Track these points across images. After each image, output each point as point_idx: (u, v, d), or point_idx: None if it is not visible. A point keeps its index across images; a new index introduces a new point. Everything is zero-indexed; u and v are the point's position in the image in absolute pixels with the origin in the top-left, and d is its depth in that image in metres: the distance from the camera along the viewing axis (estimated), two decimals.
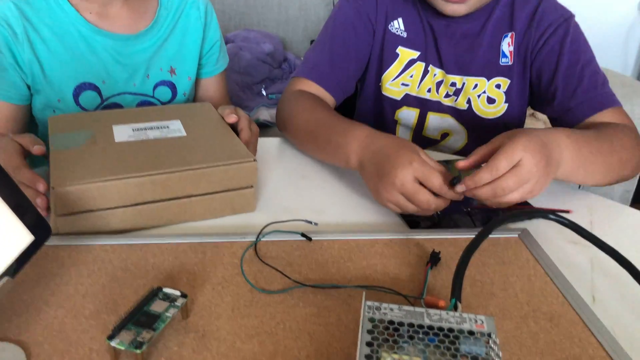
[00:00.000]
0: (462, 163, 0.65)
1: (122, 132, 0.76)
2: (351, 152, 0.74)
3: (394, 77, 0.98)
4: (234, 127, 0.81)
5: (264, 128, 1.72)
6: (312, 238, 0.65)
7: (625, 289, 0.60)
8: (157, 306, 0.50)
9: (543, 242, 0.66)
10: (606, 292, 0.60)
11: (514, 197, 0.61)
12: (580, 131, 0.73)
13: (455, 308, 0.51)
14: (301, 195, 0.77)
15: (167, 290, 0.52)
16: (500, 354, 0.44)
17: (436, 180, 0.62)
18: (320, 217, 0.71)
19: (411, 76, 0.97)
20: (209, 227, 0.69)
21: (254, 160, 0.70)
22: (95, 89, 0.89)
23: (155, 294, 0.51)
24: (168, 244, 0.63)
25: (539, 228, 0.70)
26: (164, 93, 0.97)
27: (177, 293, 0.51)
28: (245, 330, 0.51)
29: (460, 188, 0.63)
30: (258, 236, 0.64)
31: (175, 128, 0.78)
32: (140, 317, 0.48)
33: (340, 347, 0.50)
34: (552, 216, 0.61)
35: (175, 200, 0.68)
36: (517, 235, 0.68)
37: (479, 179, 0.61)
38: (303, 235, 0.65)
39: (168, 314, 0.49)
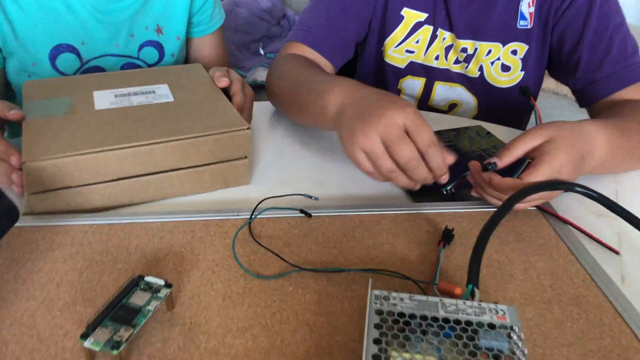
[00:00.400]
0: (498, 162, 0.58)
1: (104, 99, 0.69)
2: (331, 98, 0.63)
3: (397, 43, 0.89)
4: (227, 91, 0.74)
5: (262, 90, 1.64)
6: (312, 214, 0.59)
7: None
8: (138, 298, 0.44)
9: (565, 215, 0.61)
10: (637, 271, 0.54)
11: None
12: (620, 127, 0.65)
13: (472, 296, 0.46)
14: (300, 165, 0.71)
15: (149, 278, 0.46)
16: (526, 351, 0.39)
17: (428, 135, 0.54)
18: (320, 189, 0.65)
19: (417, 42, 0.89)
20: (199, 203, 0.63)
21: (248, 128, 0.64)
22: (74, 50, 0.82)
23: (136, 283, 0.46)
24: (153, 222, 0.57)
25: (559, 199, 0.64)
26: (150, 54, 0.90)
27: (161, 282, 0.46)
28: (237, 322, 0.46)
29: (495, 179, 0.57)
30: (252, 213, 0.58)
31: (162, 93, 0.72)
32: (119, 312, 0.43)
33: (344, 340, 0.45)
34: (579, 188, 0.55)
35: (161, 173, 0.62)
36: (536, 208, 0.62)
37: (508, 187, 0.56)
38: (302, 211, 0.59)
39: (150, 307, 0.43)
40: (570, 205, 0.63)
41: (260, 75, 1.68)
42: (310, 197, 0.60)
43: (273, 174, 0.69)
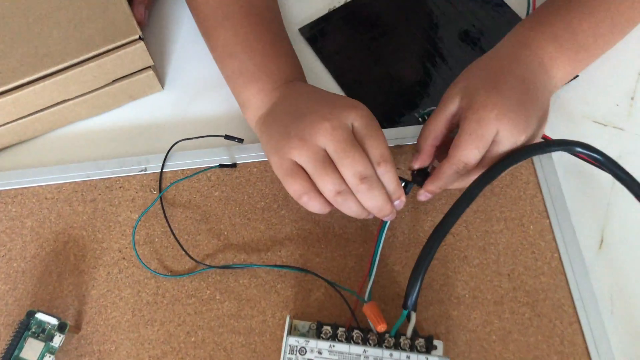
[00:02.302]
0: (415, 163, 0.43)
1: None
2: (257, 91, 0.45)
3: None
4: None
5: None
6: (237, 162, 0.48)
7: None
8: (31, 350, 0.40)
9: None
10: (619, 229, 0.46)
11: None
12: (566, 23, 0.44)
13: (408, 318, 0.40)
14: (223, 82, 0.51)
15: (40, 316, 0.41)
16: None
17: (383, 145, 0.39)
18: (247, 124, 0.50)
19: None
20: (105, 126, 0.51)
21: (139, 38, 0.47)
22: None
23: (26, 326, 0.41)
24: (47, 186, 0.48)
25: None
26: None
27: (54, 322, 0.41)
28: (148, 349, 0.42)
29: (424, 197, 0.43)
30: (160, 186, 0.48)
31: None
32: None
33: None
34: (580, 149, 0.41)
35: (45, 110, 0.49)
36: None
37: (443, 180, 0.41)
38: (222, 166, 0.48)
39: None
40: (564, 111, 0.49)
41: None
42: (234, 138, 0.48)
43: (186, 93, 0.53)
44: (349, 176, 0.38)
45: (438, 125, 0.41)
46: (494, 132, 0.39)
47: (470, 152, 0.39)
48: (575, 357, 0.41)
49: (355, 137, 0.38)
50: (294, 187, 0.39)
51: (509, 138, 0.40)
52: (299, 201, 0.40)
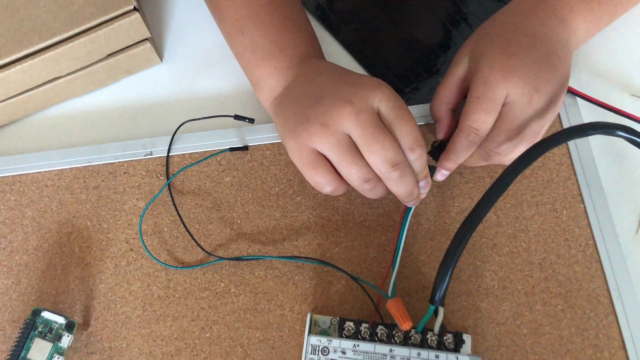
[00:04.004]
0: (440, 132, 0.41)
1: None
2: (273, 70, 0.41)
3: None
4: None
5: None
6: (249, 145, 0.45)
7: None
8: (38, 351, 0.38)
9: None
10: None
11: (518, 150, 0.38)
12: None
13: (435, 313, 0.38)
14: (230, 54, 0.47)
15: (47, 315, 0.39)
16: None
17: (414, 128, 0.36)
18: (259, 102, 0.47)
19: None
20: (102, 102, 0.48)
21: (134, 8, 0.43)
22: None
23: (32, 325, 0.38)
24: (46, 173, 0.45)
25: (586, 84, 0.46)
26: None
27: (61, 321, 0.38)
28: (161, 346, 0.40)
29: (441, 176, 0.40)
30: (167, 172, 0.44)
31: None
32: None
33: None
34: (622, 133, 0.38)
35: (36, 89, 0.45)
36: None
37: (458, 153, 0.39)
38: (233, 150, 0.44)
39: None
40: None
41: None
42: (244, 119, 0.44)
43: (192, 70, 0.49)
44: (379, 163, 0.35)
45: (447, 89, 0.39)
46: (504, 93, 0.37)
47: (479, 116, 0.37)
48: (610, 351, 0.39)
49: (381, 120, 0.35)
50: (316, 179, 0.37)
51: (521, 97, 0.37)
52: (321, 191, 0.38)
